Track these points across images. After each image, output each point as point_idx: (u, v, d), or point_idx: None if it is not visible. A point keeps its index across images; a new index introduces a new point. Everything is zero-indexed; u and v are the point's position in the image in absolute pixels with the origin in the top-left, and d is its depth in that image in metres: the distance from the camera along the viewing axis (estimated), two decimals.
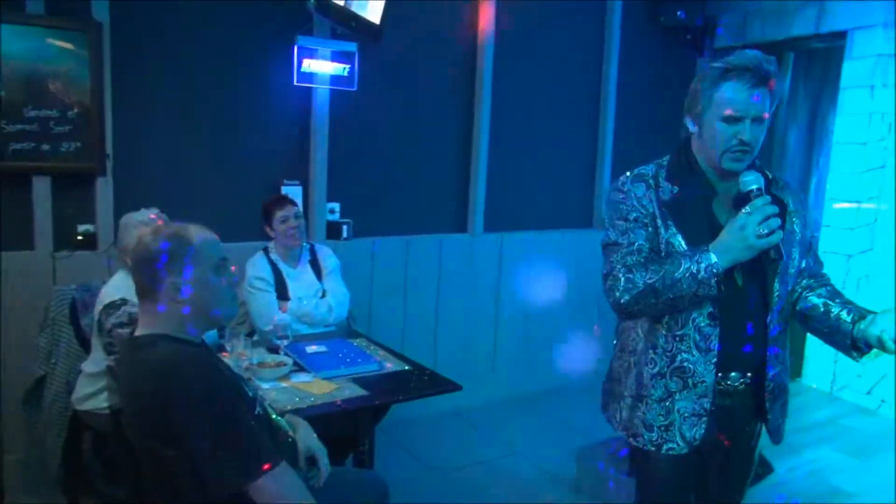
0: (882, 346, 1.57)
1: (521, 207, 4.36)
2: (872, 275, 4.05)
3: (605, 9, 4.47)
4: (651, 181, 1.68)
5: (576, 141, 4.55)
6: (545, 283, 4.42)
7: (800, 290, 1.77)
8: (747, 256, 1.55)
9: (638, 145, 4.74)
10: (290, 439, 1.75)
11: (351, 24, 3.49)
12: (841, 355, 1.69)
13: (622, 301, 1.62)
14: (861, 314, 1.65)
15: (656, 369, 1.69)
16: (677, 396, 1.67)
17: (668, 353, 1.68)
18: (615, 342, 1.85)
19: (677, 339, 1.66)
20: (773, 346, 1.70)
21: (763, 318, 1.68)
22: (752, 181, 1.57)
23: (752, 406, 1.75)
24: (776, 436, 1.80)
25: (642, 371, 1.72)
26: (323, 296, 3.11)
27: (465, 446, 3.54)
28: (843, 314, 1.68)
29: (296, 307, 3.00)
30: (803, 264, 1.76)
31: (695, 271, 1.54)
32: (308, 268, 3.18)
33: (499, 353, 4.30)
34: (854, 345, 1.64)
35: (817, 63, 4.38)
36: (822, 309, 1.73)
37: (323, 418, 2.06)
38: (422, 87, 3.89)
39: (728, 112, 1.57)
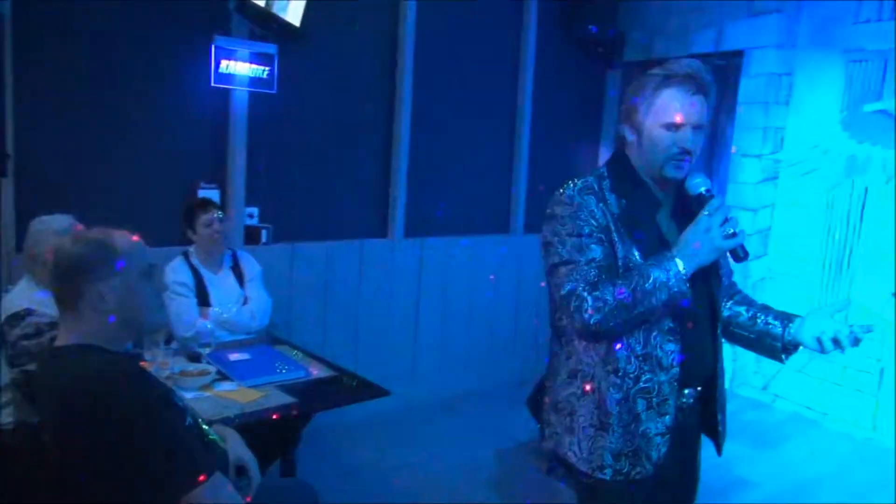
0: (820, 347, 1.61)
1: (441, 213, 4.41)
2: (767, 278, 4.34)
3: (522, 20, 4.59)
4: (596, 194, 1.58)
5: (493, 148, 4.65)
6: (464, 288, 4.49)
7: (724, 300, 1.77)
8: (713, 259, 1.52)
9: (552, 153, 4.90)
10: (220, 449, 1.71)
11: (271, 26, 3.44)
12: (741, 354, 1.77)
13: (592, 321, 1.49)
14: (788, 318, 1.69)
15: (620, 394, 1.57)
16: (643, 418, 1.58)
17: (631, 376, 1.57)
18: (561, 370, 1.68)
19: (640, 359, 1.57)
20: (720, 356, 1.71)
21: (714, 330, 1.67)
22: (700, 183, 1.55)
23: (699, 421, 1.73)
24: (721, 447, 1.76)
25: (604, 398, 1.58)
26: (245, 303, 3.04)
27: (387, 450, 3.54)
28: (771, 319, 1.71)
29: (217, 314, 2.93)
30: (728, 269, 1.78)
31: (665, 280, 1.47)
32: (230, 274, 3.10)
33: (419, 357, 4.33)
34: (784, 348, 1.68)
35: (717, 79, 4.64)
36: (746, 315, 1.75)
37: (250, 427, 2.02)
38: (342, 92, 3.87)
39: (669, 119, 1.54)
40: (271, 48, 3.50)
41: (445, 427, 3.89)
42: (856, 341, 1.58)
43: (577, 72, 4.99)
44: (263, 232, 3.65)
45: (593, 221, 1.55)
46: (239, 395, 2.23)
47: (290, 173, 3.75)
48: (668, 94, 1.54)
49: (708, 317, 1.65)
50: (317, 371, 2.53)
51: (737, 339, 1.79)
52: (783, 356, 1.70)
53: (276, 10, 3.37)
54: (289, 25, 3.49)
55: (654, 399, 1.58)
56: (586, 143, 5.20)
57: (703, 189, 1.54)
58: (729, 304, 1.79)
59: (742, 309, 1.77)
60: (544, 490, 3.07)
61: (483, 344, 4.63)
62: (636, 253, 1.55)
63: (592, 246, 1.54)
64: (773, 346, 1.70)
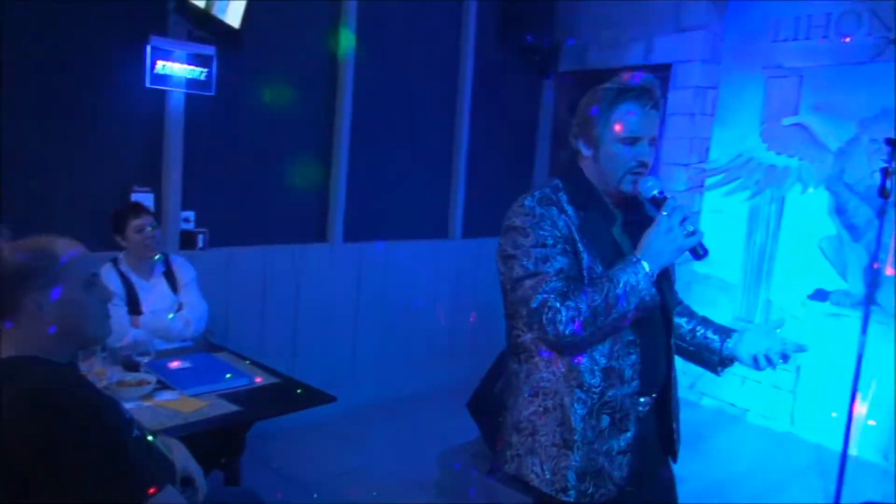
0: (755, 365, 1.66)
1: (380, 218, 4.42)
2: (692, 282, 4.54)
3: (460, 28, 4.66)
4: (556, 207, 1.56)
5: (432, 153, 4.69)
6: (403, 292, 4.51)
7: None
8: (676, 258, 1.52)
9: (490, 159, 4.99)
10: (168, 460, 1.68)
11: (210, 27, 3.39)
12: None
13: (568, 332, 1.45)
14: (726, 332, 1.74)
15: (585, 409, 1.54)
16: (607, 435, 1.55)
17: (595, 390, 1.54)
18: (523, 388, 1.61)
19: (604, 372, 1.54)
20: (673, 364, 1.71)
21: (667, 338, 1.66)
22: (653, 185, 1.54)
23: (656, 431, 1.70)
24: (676, 454, 1.74)
25: (568, 414, 1.54)
26: (179, 309, 2.98)
27: (328, 457, 3.53)
28: (710, 333, 1.75)
29: (150, 321, 2.86)
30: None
31: (635, 283, 1.46)
32: (162, 280, 3.02)
33: (359, 362, 4.32)
34: (721, 362, 1.72)
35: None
36: (686, 327, 1.78)
37: (193, 437, 1.99)
38: (282, 95, 3.83)
39: (627, 133, 1.54)
40: (209, 49, 3.44)
41: (387, 431, 3.90)
42: (785, 358, 1.65)
43: (514, 80, 5.09)
44: (200, 237, 3.58)
45: (556, 232, 1.52)
46: (181, 405, 2.19)
47: (228, 177, 3.69)
48: (625, 108, 1.55)
49: (661, 324, 1.64)
50: (260, 378, 2.50)
51: (676, 349, 1.76)
52: (719, 369, 1.74)
53: (215, 11, 3.32)
54: (228, 27, 3.44)
55: (617, 415, 1.56)
56: (523, 149, 5.32)
57: (655, 192, 1.53)
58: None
59: (683, 321, 1.80)
60: (486, 490, 3.12)
61: (422, 348, 4.66)
62: (599, 264, 1.53)
63: (558, 256, 1.51)
64: (711, 359, 1.74)
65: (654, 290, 1.47)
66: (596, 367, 1.54)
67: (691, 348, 1.78)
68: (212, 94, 3.50)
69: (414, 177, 4.59)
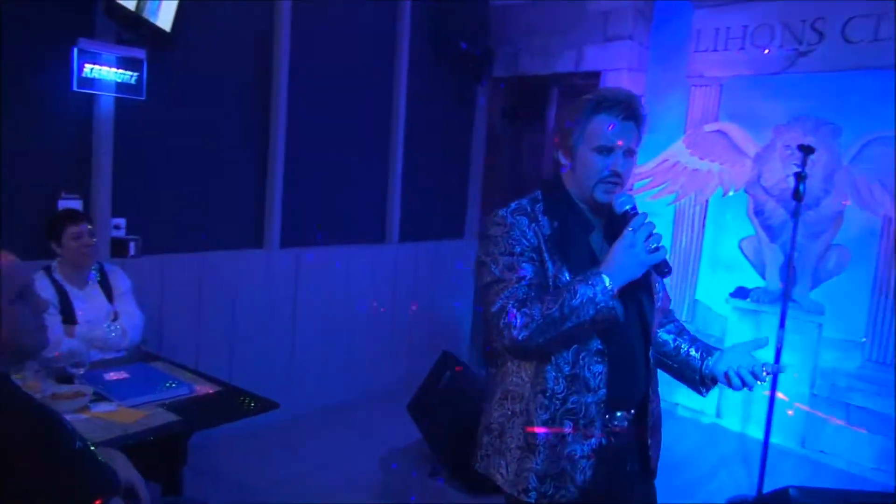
0: (728, 382, 1.66)
1: (317, 223, 4.40)
2: None
3: (395, 34, 4.69)
4: (528, 217, 1.61)
5: (369, 158, 4.70)
6: (342, 297, 4.51)
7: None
8: (639, 274, 1.53)
9: (426, 163, 5.03)
10: (111, 471, 1.65)
11: (140, 31, 3.32)
12: None
13: (520, 338, 1.50)
14: (709, 351, 1.74)
15: (548, 415, 1.59)
16: (569, 440, 1.59)
17: (558, 397, 1.59)
18: (496, 391, 1.68)
19: (568, 380, 1.58)
20: (653, 381, 1.71)
21: (646, 352, 1.68)
22: (626, 201, 1.57)
23: (634, 444, 1.71)
24: (654, 470, 1.75)
25: (531, 419, 1.60)
26: (115, 318, 2.91)
27: (269, 464, 3.50)
28: (693, 351, 1.75)
29: (85, 331, 2.78)
30: (663, 294, 1.78)
31: (591, 295, 1.48)
32: (97, 288, 2.95)
33: (298, 368, 4.29)
34: (702, 381, 1.72)
35: (578, 96, 4.99)
36: (672, 345, 1.79)
37: (134, 447, 1.96)
38: (216, 99, 3.78)
39: (600, 143, 1.57)
40: (140, 53, 3.36)
41: (328, 437, 3.89)
42: (756, 377, 1.65)
43: (448, 86, 5.15)
44: (132, 244, 3.49)
45: (525, 241, 1.57)
46: (120, 416, 2.14)
47: (160, 182, 3.61)
48: (600, 119, 1.57)
49: (639, 337, 1.66)
50: (201, 387, 2.47)
51: (665, 367, 1.80)
52: (702, 389, 1.75)
53: (146, 14, 3.25)
54: (159, 30, 3.37)
55: (581, 421, 1.59)
56: (458, 154, 5.39)
57: (627, 207, 1.56)
58: (660, 331, 1.81)
59: (670, 338, 1.81)
60: (428, 492, 3.17)
61: (362, 352, 4.67)
62: (566, 273, 1.56)
63: (524, 265, 1.56)
64: (693, 377, 1.75)
65: (611, 303, 1.48)
66: (560, 375, 1.58)
67: (675, 366, 1.79)
68: (142, 98, 3.41)
69: (351, 182, 4.60)
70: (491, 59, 5.30)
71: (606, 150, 1.58)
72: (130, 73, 3.34)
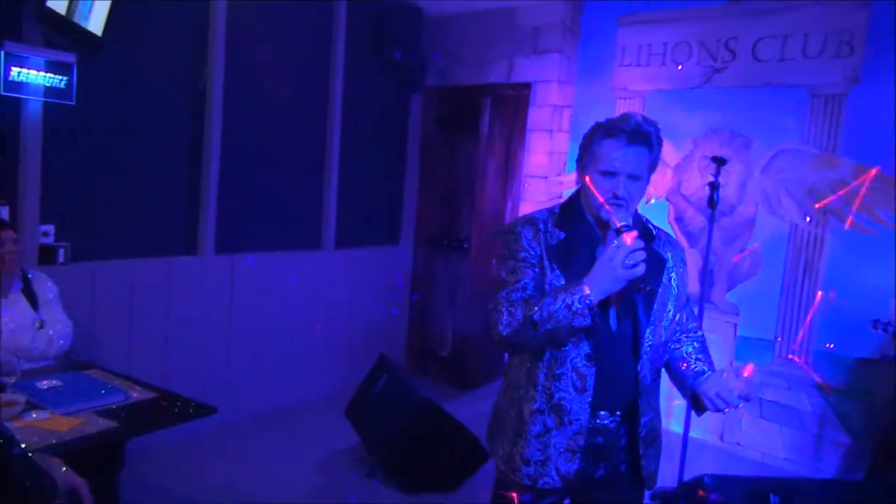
0: (708, 404, 1.75)
1: (252, 229, 4.40)
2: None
3: (331, 40, 4.74)
4: (541, 226, 1.77)
5: (305, 164, 4.72)
6: (277, 304, 4.52)
7: (672, 343, 1.89)
8: (617, 287, 1.63)
9: (361, 170, 5.09)
10: (50, 478, 1.65)
11: (71, 34, 3.27)
12: None
13: (504, 334, 1.69)
14: (703, 372, 1.82)
15: (536, 406, 1.76)
16: (554, 432, 1.75)
17: (547, 391, 1.75)
18: (504, 380, 1.91)
19: (556, 377, 1.74)
20: (647, 394, 1.80)
21: (635, 366, 1.77)
22: (623, 217, 1.66)
23: (625, 448, 1.82)
24: (650, 481, 1.86)
25: (522, 407, 1.79)
26: (41, 327, 2.86)
27: (208, 470, 3.48)
28: (690, 370, 1.84)
29: (9, 340, 2.72)
30: (678, 318, 1.87)
31: (570, 303, 1.60)
32: (20, 297, 2.89)
33: (234, 375, 4.27)
34: (693, 399, 1.82)
35: (510, 107, 5.16)
36: (683, 363, 1.87)
37: (69, 455, 1.95)
38: (148, 104, 3.75)
39: (604, 167, 1.69)
40: (69, 57, 3.32)
41: (264, 443, 3.89)
42: (728, 404, 1.72)
43: (383, 94, 5.23)
44: (60, 251, 3.43)
45: (529, 249, 1.74)
46: (54, 424, 2.13)
47: (91, 188, 3.56)
48: (607, 144, 1.70)
49: (629, 344, 1.77)
50: (136, 393, 2.47)
51: (675, 384, 1.92)
52: (696, 410, 1.84)
53: (77, 17, 3.21)
54: (89, 34, 3.33)
55: (566, 417, 1.75)
56: (392, 161, 5.47)
57: (622, 223, 1.65)
58: (679, 348, 1.90)
59: (685, 354, 1.89)
60: (366, 493, 3.22)
61: (298, 359, 4.68)
62: (562, 280, 1.71)
63: (525, 269, 1.73)
64: (685, 394, 1.86)
65: (586, 311, 1.60)
66: (550, 373, 1.75)
67: (679, 384, 1.90)
68: (72, 102, 3.37)
69: (286, 188, 4.61)
70: (425, 69, 5.41)
71: (610, 174, 1.70)
72: (60, 77, 3.29)
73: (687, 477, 3.29)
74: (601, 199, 1.70)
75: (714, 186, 3.26)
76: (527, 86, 4.94)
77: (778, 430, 3.91)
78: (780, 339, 3.93)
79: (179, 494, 3.22)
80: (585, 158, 1.77)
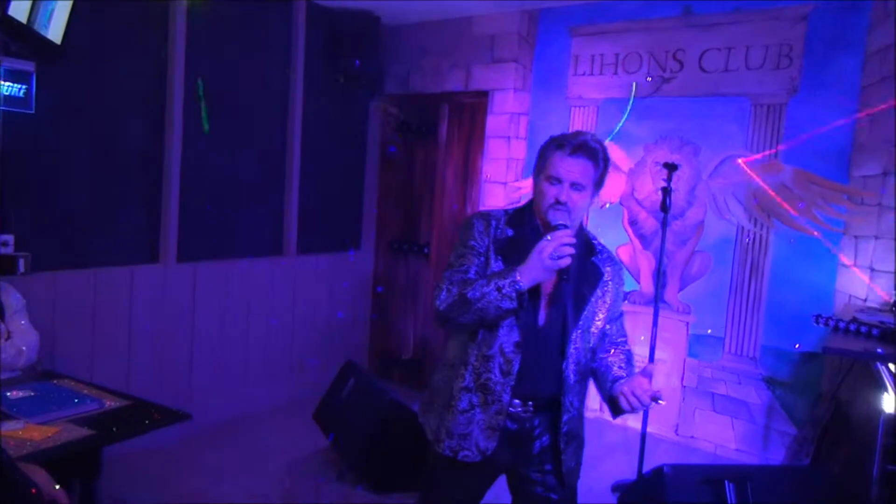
0: (624, 404, 1.84)
1: (214, 237, 4.40)
2: None
3: (290, 48, 4.78)
4: (493, 221, 1.96)
5: (266, 171, 4.75)
6: (241, 310, 4.52)
7: (600, 352, 2.03)
8: (544, 277, 1.80)
9: (322, 177, 5.13)
10: (35, 485, 1.67)
11: (30, 42, 3.24)
12: None
13: (441, 308, 1.88)
14: (619, 378, 1.92)
15: (464, 383, 1.94)
16: (478, 410, 1.92)
17: (476, 371, 1.93)
18: (442, 357, 2.08)
19: (486, 359, 1.91)
20: (570, 393, 1.95)
21: (560, 364, 1.92)
22: (561, 217, 1.83)
23: (545, 440, 1.99)
24: (569, 478, 2.00)
25: (453, 384, 1.97)
26: (8, 337, 2.83)
27: (176, 478, 3.47)
28: (613, 376, 1.94)
29: None
30: (608, 328, 2.03)
31: (501, 285, 1.79)
32: None
33: (198, 383, 4.26)
34: (609, 402, 1.94)
35: (467, 114, 5.27)
36: (608, 371, 1.98)
37: (47, 465, 1.96)
38: (109, 112, 3.74)
39: (549, 173, 1.88)
40: (28, 65, 3.29)
41: (232, 449, 3.90)
42: (641, 403, 1.82)
43: (343, 102, 5.29)
44: (20, 261, 3.38)
45: (478, 239, 1.94)
46: (29, 433, 2.12)
47: (51, 198, 3.52)
48: (555, 154, 1.88)
49: (557, 341, 1.93)
50: (109, 402, 2.47)
51: (598, 390, 2.04)
52: (612, 412, 1.95)
53: (37, 26, 3.18)
54: (49, 42, 3.31)
55: (489, 396, 1.92)
56: (353, 168, 5.52)
57: (559, 223, 1.83)
58: (605, 357, 2.03)
59: (608, 364, 2.01)
60: (338, 494, 3.26)
61: (263, 365, 4.69)
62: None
63: (471, 257, 1.93)
64: (605, 397, 1.97)
65: (514, 295, 1.78)
66: (481, 354, 1.93)
67: (601, 391, 2.01)
68: (31, 111, 3.34)
69: (247, 195, 4.62)
70: (383, 77, 5.49)
71: (555, 180, 1.87)
72: (19, 85, 3.27)
73: (645, 470, 3.44)
74: (546, 203, 1.88)
75: (667, 191, 3.42)
76: (484, 94, 5.07)
77: (729, 422, 4.10)
78: (729, 335, 4.12)
79: (151, 502, 3.21)
80: (538, 166, 1.95)
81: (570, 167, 1.86)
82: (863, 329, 2.56)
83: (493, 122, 5.03)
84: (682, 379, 4.28)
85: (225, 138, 4.38)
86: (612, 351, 2.04)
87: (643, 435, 3.59)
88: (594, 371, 2.04)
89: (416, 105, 5.50)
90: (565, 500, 2.05)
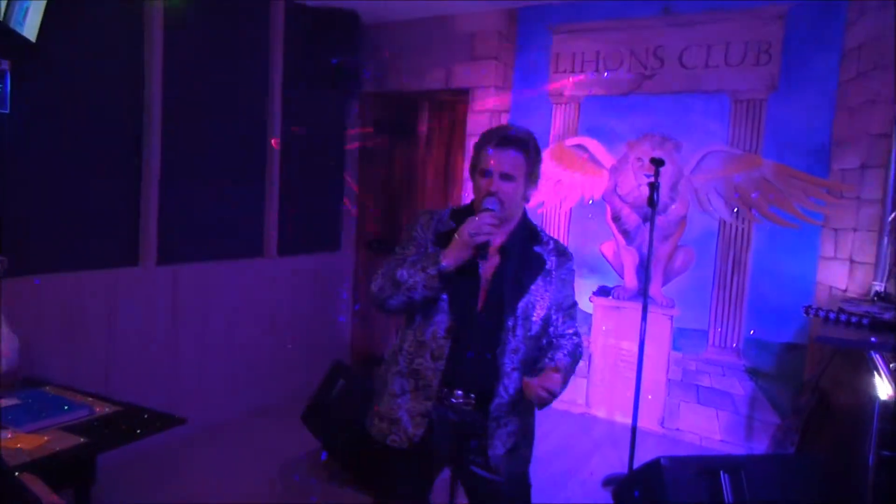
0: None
1: (194, 239, 4.32)
2: None
3: (269, 47, 4.71)
4: (436, 216, 2.01)
5: (246, 172, 4.68)
6: (223, 313, 4.45)
7: (545, 341, 1.99)
8: (463, 254, 1.84)
9: (302, 177, 5.08)
10: (33, 495, 1.62)
11: (3, 40, 3.14)
12: None
13: (374, 290, 1.94)
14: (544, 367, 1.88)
15: (398, 368, 1.98)
16: (409, 395, 1.94)
17: (409, 356, 1.96)
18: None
19: (419, 345, 1.94)
20: (505, 380, 1.91)
21: (493, 349, 1.91)
22: (491, 203, 1.88)
23: (479, 430, 1.94)
24: (502, 464, 1.94)
25: (389, 369, 2.01)
26: None
27: (164, 487, 3.39)
28: (539, 364, 1.91)
29: None
30: (554, 318, 1.99)
31: (425, 265, 1.86)
32: None
33: (182, 387, 4.17)
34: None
35: (448, 112, 5.26)
36: (539, 358, 1.95)
37: (40, 474, 1.90)
38: (86, 111, 3.63)
39: (480, 167, 1.94)
40: (3, 64, 3.19)
41: (220, 454, 3.83)
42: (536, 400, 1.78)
43: (322, 100, 5.24)
44: None
45: (420, 231, 2.00)
46: (18, 442, 2.06)
47: (27, 200, 3.41)
48: (483, 149, 1.95)
49: (491, 329, 1.92)
50: (99, 408, 2.41)
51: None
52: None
53: (12, 24, 3.09)
54: (24, 40, 3.21)
55: (420, 381, 1.93)
56: (332, 167, 5.47)
57: (489, 206, 1.88)
58: (544, 342, 1.99)
59: (546, 353, 1.96)
60: (330, 497, 3.23)
61: (247, 368, 4.61)
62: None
63: (410, 247, 1.99)
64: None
65: (436, 275, 1.85)
66: (415, 339, 1.96)
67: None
68: (6, 111, 3.23)
69: (228, 196, 4.55)
70: (363, 75, 5.45)
71: (486, 173, 1.93)
72: None
73: (636, 464, 3.47)
74: (480, 196, 1.93)
75: (653, 186, 3.44)
76: (465, 92, 5.06)
77: (714, 414, 4.16)
78: (713, 329, 4.18)
79: None
80: (472, 164, 2.02)
81: (499, 159, 1.91)
82: (853, 319, 2.61)
83: (474, 120, 5.02)
84: (667, 372, 4.32)
85: (203, 138, 4.30)
86: (555, 343, 1.99)
87: (634, 428, 3.62)
88: (536, 361, 1.99)
89: (396, 103, 5.48)
90: (509, 491, 1.99)
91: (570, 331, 2.03)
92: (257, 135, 4.74)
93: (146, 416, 2.40)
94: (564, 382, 1.84)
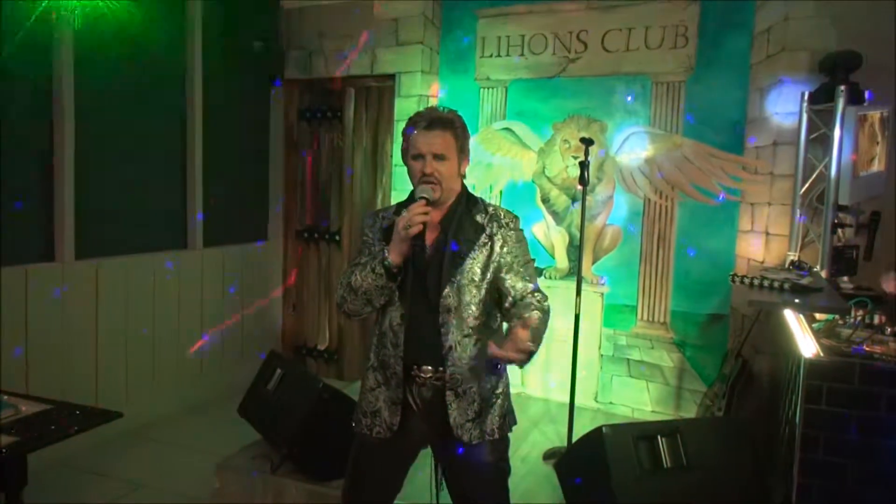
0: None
1: (115, 232, 4.13)
2: None
3: (187, 34, 4.55)
4: (381, 215, 2.06)
5: (167, 162, 4.51)
6: (147, 307, 4.28)
7: (508, 305, 1.99)
8: (401, 246, 1.86)
9: (226, 165, 4.93)
10: None
11: None
12: None
13: (338, 303, 2.01)
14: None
15: (370, 363, 2.05)
16: (382, 387, 2.01)
17: (376, 350, 2.03)
18: None
19: (381, 336, 2.00)
20: (458, 348, 1.92)
21: (437, 320, 1.93)
22: (423, 191, 1.90)
23: (443, 410, 1.96)
24: (460, 434, 1.94)
25: (366, 365, 2.07)
26: None
27: (102, 486, 3.24)
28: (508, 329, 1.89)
29: None
30: (509, 283, 1.98)
31: (374, 266, 1.91)
32: None
33: (102, 386, 3.99)
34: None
35: (374, 98, 5.20)
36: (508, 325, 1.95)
37: None
38: None
39: (413, 151, 1.96)
40: None
41: (152, 453, 3.70)
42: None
43: (244, 86, 5.10)
44: None
45: (369, 233, 2.07)
46: None
47: None
48: (412, 133, 1.97)
49: (425, 303, 1.94)
50: (27, 407, 2.27)
51: None
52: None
53: None
54: None
55: (388, 371, 1.99)
56: (257, 155, 5.34)
57: (420, 196, 1.90)
58: (514, 309, 1.96)
59: (512, 316, 1.96)
60: (271, 488, 3.16)
61: (173, 364, 4.46)
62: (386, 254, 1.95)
63: (364, 250, 2.05)
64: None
65: (383, 270, 1.89)
66: (379, 333, 2.02)
67: None
68: None
69: (149, 187, 4.38)
70: (284, 61, 5.32)
71: (419, 157, 1.95)
72: None
73: (575, 437, 3.55)
74: (416, 180, 1.96)
75: (584, 165, 3.52)
76: (391, 76, 5.02)
77: (644, 386, 4.31)
78: (640, 304, 4.33)
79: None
80: (403, 149, 2.03)
81: (430, 140, 1.93)
82: (775, 285, 2.76)
83: (402, 105, 4.99)
84: (599, 348, 4.44)
85: (121, 129, 4.12)
86: (520, 305, 1.96)
87: (571, 403, 3.70)
88: (499, 324, 2.06)
89: (320, 89, 5.38)
90: (477, 459, 2.00)
91: (531, 288, 2.00)
92: (179, 123, 4.57)
93: (78, 412, 2.28)
94: (537, 338, 1.81)
